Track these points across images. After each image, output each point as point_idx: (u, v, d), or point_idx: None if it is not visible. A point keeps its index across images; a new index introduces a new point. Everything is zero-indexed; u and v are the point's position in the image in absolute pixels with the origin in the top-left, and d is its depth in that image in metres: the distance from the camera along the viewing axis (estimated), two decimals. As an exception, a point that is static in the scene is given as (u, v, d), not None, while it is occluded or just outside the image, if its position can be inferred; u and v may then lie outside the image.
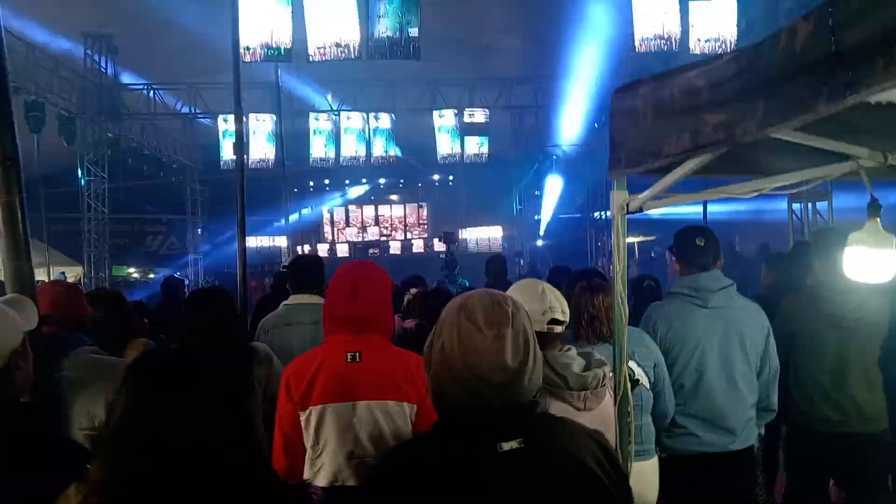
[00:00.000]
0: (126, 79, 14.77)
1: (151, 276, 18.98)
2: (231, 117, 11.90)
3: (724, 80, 1.53)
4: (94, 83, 14.01)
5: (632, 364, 2.52)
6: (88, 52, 13.77)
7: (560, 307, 2.16)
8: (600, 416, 2.11)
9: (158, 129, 16.56)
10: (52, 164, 13.73)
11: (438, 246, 22.87)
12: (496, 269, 6.30)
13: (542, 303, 2.12)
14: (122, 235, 18.51)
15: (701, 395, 2.95)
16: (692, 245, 3.09)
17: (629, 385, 2.21)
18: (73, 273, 15.27)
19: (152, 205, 20.11)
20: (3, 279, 2.34)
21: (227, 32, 5.61)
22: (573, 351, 2.18)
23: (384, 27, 10.78)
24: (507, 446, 1.22)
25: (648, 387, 2.73)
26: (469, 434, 1.26)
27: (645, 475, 2.64)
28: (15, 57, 10.72)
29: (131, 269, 19.59)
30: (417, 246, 23.36)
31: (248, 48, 10.51)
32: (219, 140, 15.43)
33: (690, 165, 1.82)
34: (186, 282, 13.61)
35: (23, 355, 1.72)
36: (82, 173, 14.63)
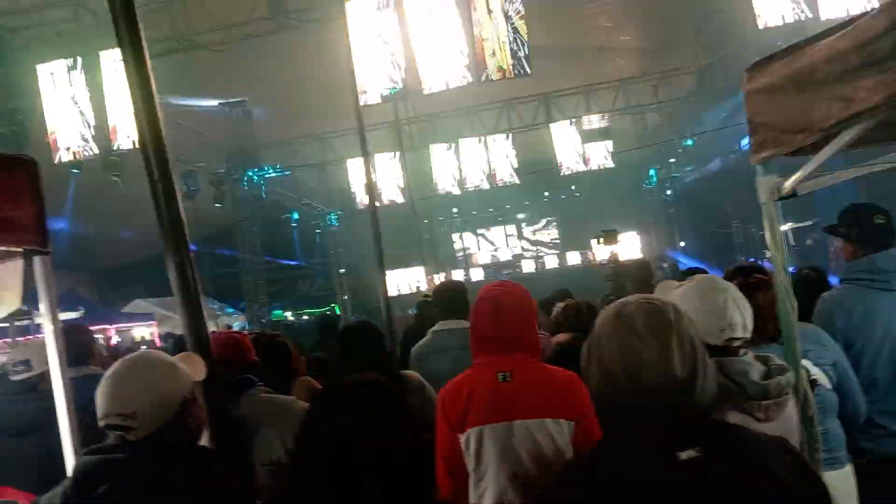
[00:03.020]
0: (261, 137, 16.11)
1: (304, 317, 20.28)
2: (359, 160, 12.54)
3: (874, 37, 1.38)
4: (235, 146, 15.45)
5: (806, 363, 2.30)
6: (227, 118, 15.22)
7: (742, 322, 1.95)
8: (782, 426, 1.91)
9: (297, 181, 17.83)
10: (209, 226, 15.23)
11: (572, 259, 22.53)
12: (641, 276, 6.00)
13: (721, 318, 1.93)
14: (274, 283, 19.98)
15: None
16: (871, 224, 2.80)
17: (808, 387, 2.01)
18: (238, 322, 16.72)
19: (298, 251, 21.58)
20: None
21: (347, 82, 5.97)
22: (749, 356, 1.98)
23: (493, 52, 10.91)
24: (684, 455, 1.15)
25: (829, 387, 2.47)
26: (643, 446, 1.20)
27: (836, 486, 2.36)
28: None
29: (286, 314, 21.07)
30: (550, 262, 23.12)
31: (365, 92, 11.04)
32: (349, 183, 16.34)
33: (846, 138, 1.65)
34: (340, 318, 14.44)
35: (193, 402, 1.84)
36: (235, 231, 16.09)
